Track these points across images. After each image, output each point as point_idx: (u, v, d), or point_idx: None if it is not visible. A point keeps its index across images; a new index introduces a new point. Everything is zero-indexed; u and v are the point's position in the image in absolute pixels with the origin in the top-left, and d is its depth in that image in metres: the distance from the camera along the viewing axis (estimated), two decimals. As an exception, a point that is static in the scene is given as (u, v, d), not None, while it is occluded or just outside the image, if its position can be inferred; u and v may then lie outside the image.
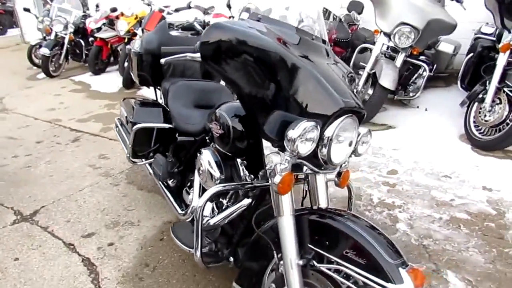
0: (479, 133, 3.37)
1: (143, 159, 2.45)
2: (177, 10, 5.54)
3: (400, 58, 3.81)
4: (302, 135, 1.20)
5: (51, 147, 3.78)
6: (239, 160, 1.68)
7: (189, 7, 5.47)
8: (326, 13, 4.29)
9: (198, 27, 2.72)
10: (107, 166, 3.29)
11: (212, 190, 1.47)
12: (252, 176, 1.62)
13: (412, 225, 2.33)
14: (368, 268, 1.20)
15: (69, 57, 6.99)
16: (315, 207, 1.48)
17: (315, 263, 1.31)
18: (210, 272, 2.00)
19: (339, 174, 1.51)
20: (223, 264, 1.69)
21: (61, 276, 2.04)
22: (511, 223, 2.31)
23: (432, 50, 4.36)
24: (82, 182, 3.05)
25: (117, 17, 6.44)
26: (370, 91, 3.75)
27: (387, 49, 3.92)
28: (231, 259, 1.69)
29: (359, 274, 1.20)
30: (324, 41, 1.53)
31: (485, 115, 3.34)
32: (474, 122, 3.45)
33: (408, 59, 3.91)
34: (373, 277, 1.17)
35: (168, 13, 5.65)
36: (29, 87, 6.24)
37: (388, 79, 3.57)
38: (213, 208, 1.82)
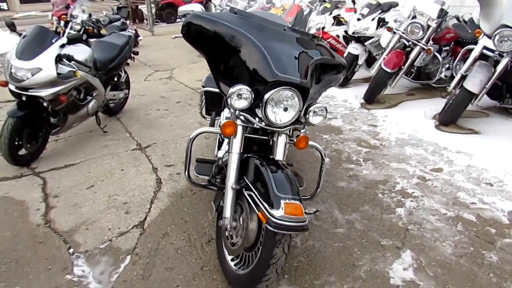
0: None
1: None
2: (311, 3, 6.11)
3: (502, 63, 3.56)
4: (238, 94, 1.75)
5: (183, 107, 4.94)
6: None
7: (323, 1, 5.98)
8: (442, 13, 4.21)
9: None
10: (209, 125, 4.21)
11: (198, 130, 2.12)
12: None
13: (412, 213, 2.48)
14: (264, 195, 1.70)
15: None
16: (271, 157, 1.98)
17: (244, 190, 1.85)
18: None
19: (296, 138, 1.98)
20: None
21: (139, 185, 3.02)
22: (515, 235, 2.24)
23: None
24: (187, 132, 4.04)
25: (269, 9, 7.39)
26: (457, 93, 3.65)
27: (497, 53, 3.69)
28: None
29: (256, 196, 1.71)
30: (298, 31, 2.00)
31: None
32: None
33: (519, 65, 3.61)
34: (262, 200, 1.68)
35: (307, 6, 6.28)
36: (195, 62, 7.78)
37: (473, 82, 3.44)
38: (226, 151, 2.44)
